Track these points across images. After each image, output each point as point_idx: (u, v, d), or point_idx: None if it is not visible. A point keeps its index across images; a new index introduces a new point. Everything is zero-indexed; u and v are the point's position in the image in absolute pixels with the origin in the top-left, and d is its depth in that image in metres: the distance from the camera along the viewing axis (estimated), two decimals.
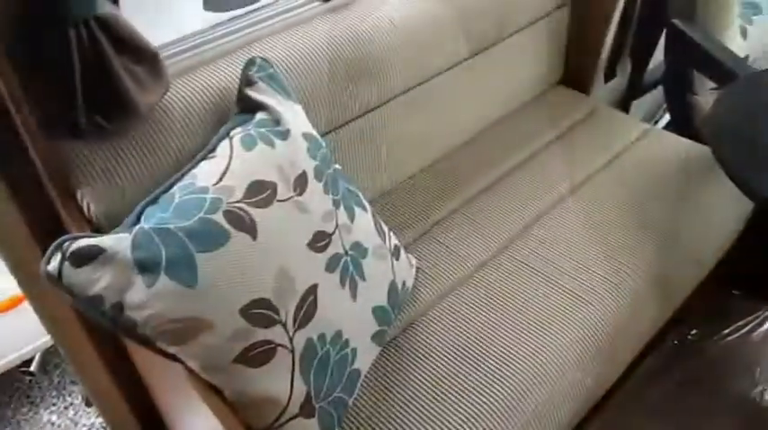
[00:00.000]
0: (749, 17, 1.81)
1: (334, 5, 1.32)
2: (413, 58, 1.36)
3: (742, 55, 1.80)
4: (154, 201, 0.90)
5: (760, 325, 1.92)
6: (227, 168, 0.92)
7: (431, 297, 1.27)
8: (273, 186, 0.93)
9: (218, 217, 0.86)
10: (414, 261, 1.28)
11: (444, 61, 1.45)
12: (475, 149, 1.61)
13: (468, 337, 1.19)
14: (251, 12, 1.29)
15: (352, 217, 1.07)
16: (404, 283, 1.19)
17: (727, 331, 1.89)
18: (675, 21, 1.75)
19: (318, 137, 1.08)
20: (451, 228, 1.41)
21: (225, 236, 0.85)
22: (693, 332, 1.87)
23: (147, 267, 0.79)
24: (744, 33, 1.81)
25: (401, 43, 1.33)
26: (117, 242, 0.79)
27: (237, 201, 0.88)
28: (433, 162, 1.56)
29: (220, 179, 0.90)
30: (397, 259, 1.18)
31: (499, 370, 1.14)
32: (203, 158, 0.96)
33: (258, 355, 0.88)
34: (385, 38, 1.30)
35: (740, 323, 1.92)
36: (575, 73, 1.83)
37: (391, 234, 1.20)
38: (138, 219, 0.87)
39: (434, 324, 1.22)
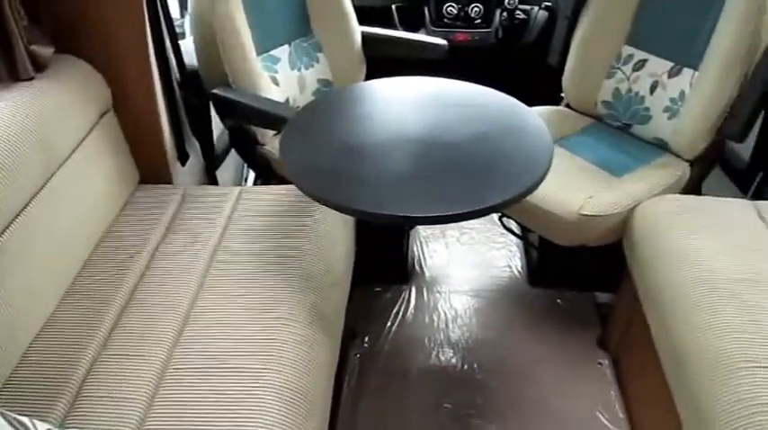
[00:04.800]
0: (273, 68, 2.04)
1: None
2: None
3: (282, 100, 2.02)
4: None
5: (407, 302, 2.19)
6: None
7: None
8: None
9: None
10: None
11: (8, 211, 1.28)
12: (89, 285, 1.47)
13: None
14: None
15: None
16: None
17: (389, 323, 2.11)
18: (215, 91, 1.87)
19: None
20: (102, 377, 1.26)
21: None
22: (366, 339, 2.04)
23: None
24: (276, 82, 2.03)
25: None
26: None
27: None
28: (49, 316, 1.38)
29: None
30: None
31: None
32: None
33: None
34: None
35: (395, 310, 2.16)
36: (151, 168, 1.81)
37: (35, 421, 1.01)
38: None
39: None
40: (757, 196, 1.96)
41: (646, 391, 1.72)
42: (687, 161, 1.92)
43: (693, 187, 1.99)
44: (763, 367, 1.22)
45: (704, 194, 2.08)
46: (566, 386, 1.88)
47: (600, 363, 1.96)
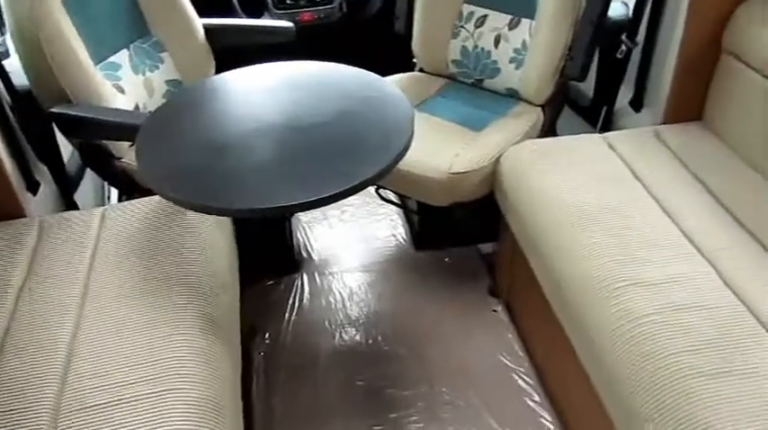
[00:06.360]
0: (114, 75, 1.92)
1: None
2: None
3: (131, 107, 1.92)
4: None
5: (302, 290, 2.17)
6: None
7: None
8: None
9: None
10: None
11: None
12: None
13: None
14: None
15: None
16: None
17: (287, 314, 2.09)
18: (55, 110, 1.73)
19: None
20: None
21: None
22: (267, 335, 2.01)
23: None
24: (121, 90, 1.91)
25: None
26: None
27: None
28: None
29: None
30: None
31: None
32: None
33: None
34: None
35: (290, 300, 2.14)
36: None
37: None
38: None
39: None
40: (605, 128, 2.12)
41: (539, 327, 1.83)
42: (539, 106, 2.02)
43: (549, 129, 2.11)
44: (635, 283, 1.33)
45: (559, 135, 2.21)
46: (467, 338, 1.96)
47: (494, 310, 2.05)
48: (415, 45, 2.20)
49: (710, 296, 1.30)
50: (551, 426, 1.70)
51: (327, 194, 1.29)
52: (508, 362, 1.87)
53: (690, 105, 1.84)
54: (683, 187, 1.60)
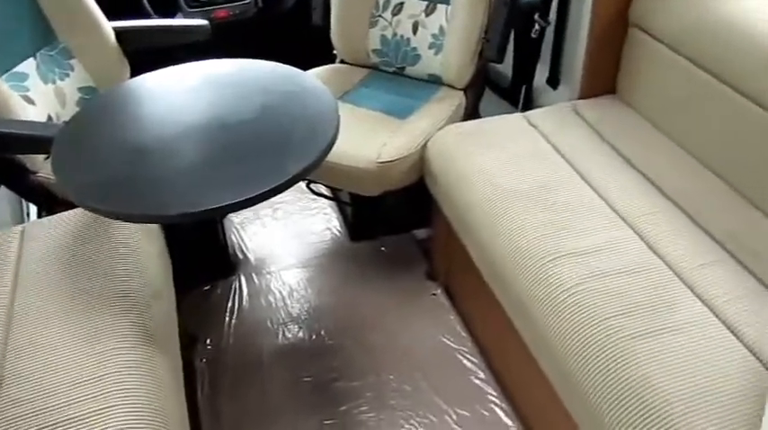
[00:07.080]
0: (22, 86, 1.83)
1: None
2: None
3: (43, 118, 1.83)
4: None
5: (240, 292, 2.14)
6: None
7: None
8: None
9: None
10: None
11: None
12: None
13: None
14: None
15: None
16: None
17: (228, 318, 2.05)
18: None
19: None
20: None
21: None
22: (208, 341, 1.97)
23: None
24: (30, 101, 1.82)
25: None
26: None
27: None
28: None
29: None
30: None
31: None
32: None
33: None
34: None
35: (229, 304, 2.11)
36: None
37: None
38: None
39: None
40: (525, 107, 2.17)
41: (478, 306, 1.87)
42: (461, 90, 2.06)
43: (472, 112, 2.14)
44: (564, 254, 1.38)
45: (482, 117, 2.25)
46: (410, 324, 1.98)
47: (434, 294, 2.08)
48: (334, 36, 2.20)
49: (637, 260, 1.36)
50: (498, 401, 1.75)
51: (257, 193, 1.27)
52: (451, 344, 1.91)
53: (603, 79, 1.91)
54: (602, 158, 1.66)
